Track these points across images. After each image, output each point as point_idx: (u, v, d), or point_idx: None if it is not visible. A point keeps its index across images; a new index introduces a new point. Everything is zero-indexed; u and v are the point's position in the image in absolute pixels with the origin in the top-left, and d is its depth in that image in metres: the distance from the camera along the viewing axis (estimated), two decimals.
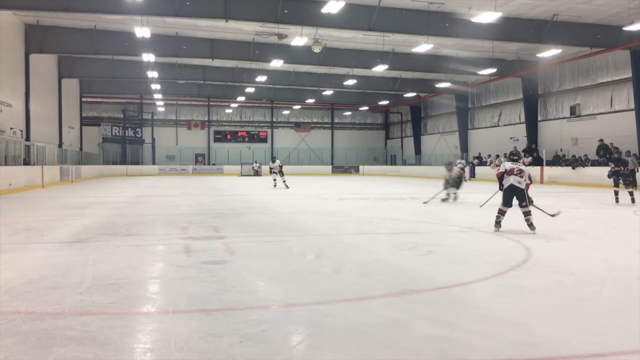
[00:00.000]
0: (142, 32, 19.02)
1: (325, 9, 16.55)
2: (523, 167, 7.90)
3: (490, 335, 3.24)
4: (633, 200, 12.46)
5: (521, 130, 28.66)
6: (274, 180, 21.11)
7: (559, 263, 5.45)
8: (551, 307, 3.89)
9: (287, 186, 19.98)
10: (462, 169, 26.55)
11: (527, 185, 7.75)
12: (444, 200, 13.09)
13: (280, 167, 20.99)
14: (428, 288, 4.45)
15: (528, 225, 7.59)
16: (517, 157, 8.36)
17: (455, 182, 13.25)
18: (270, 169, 21.86)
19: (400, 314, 3.71)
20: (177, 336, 3.19)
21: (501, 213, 7.81)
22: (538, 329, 3.35)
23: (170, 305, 3.93)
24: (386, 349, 3.01)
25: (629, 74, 21.62)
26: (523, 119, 28.54)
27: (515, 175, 7.70)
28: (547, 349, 3.01)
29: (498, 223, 7.80)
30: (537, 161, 25.45)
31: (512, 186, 7.68)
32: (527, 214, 7.66)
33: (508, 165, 7.92)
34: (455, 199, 13.17)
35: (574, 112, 25.06)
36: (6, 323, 3.43)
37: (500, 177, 7.95)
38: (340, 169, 41.69)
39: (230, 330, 3.31)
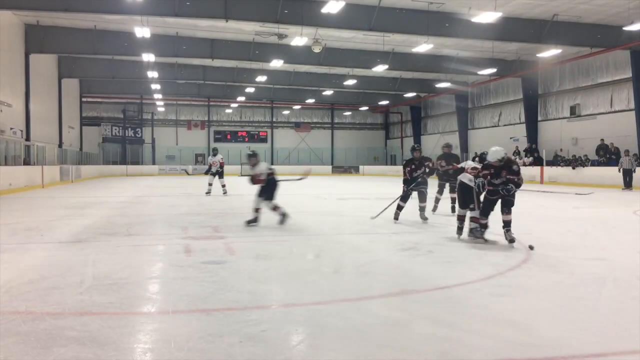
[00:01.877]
0: (142, 32, 19.02)
1: (325, 9, 16.55)
2: (476, 164, 6.96)
3: (490, 335, 3.24)
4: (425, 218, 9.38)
5: (521, 130, 28.65)
6: (210, 184, 15.41)
7: (559, 263, 5.45)
8: (551, 307, 3.89)
9: (225, 192, 15.29)
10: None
11: (454, 168, 6.54)
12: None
13: (222, 164, 15.59)
14: (428, 288, 4.45)
15: (468, 232, 6.73)
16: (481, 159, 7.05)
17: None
18: (210, 166, 15.67)
19: (400, 314, 3.71)
20: (177, 336, 3.18)
21: (474, 220, 6.72)
22: (538, 329, 3.35)
23: (170, 305, 3.93)
24: (386, 349, 3.01)
25: (629, 74, 21.62)
26: (523, 119, 28.53)
27: (469, 173, 6.81)
28: (547, 349, 3.01)
29: (470, 231, 6.79)
30: (537, 161, 25.46)
31: (460, 184, 6.92)
32: (471, 219, 6.66)
33: (470, 163, 7.13)
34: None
35: (574, 112, 25.06)
36: (6, 323, 3.42)
37: (456, 171, 6.92)
38: (340, 169, 41.66)
39: (230, 330, 3.31)
